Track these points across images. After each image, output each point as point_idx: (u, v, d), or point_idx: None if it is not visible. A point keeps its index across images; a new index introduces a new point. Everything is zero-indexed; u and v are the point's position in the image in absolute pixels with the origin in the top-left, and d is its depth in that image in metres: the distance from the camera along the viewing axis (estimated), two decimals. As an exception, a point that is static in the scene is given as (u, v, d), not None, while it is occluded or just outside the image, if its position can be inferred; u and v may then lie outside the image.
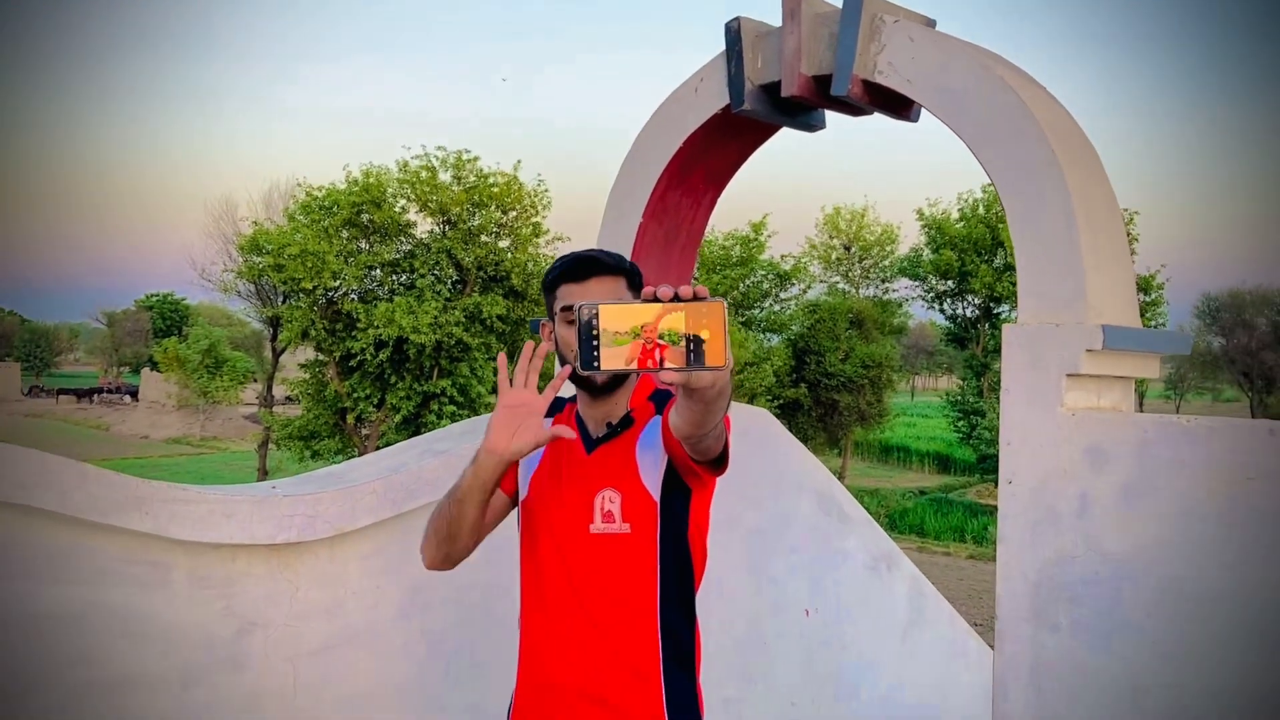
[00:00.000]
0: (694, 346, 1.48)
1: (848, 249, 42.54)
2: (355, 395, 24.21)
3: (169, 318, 64.08)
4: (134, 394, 57.67)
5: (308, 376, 25.98)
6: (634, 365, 1.49)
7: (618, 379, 2.12)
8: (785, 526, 4.36)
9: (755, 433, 4.28)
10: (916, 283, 36.97)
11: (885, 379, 35.17)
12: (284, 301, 26.43)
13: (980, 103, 2.75)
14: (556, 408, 2.31)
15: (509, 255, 24.80)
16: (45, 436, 43.33)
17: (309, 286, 23.36)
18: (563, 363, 2.12)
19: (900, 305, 40.08)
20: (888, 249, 42.20)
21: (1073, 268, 2.58)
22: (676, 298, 1.49)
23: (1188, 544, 2.39)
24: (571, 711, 2.09)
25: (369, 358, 23.52)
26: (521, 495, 2.23)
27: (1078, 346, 2.54)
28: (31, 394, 63.27)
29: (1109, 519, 2.50)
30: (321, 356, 25.29)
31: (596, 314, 1.50)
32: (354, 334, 23.56)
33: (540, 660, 2.14)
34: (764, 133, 3.48)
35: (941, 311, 36.10)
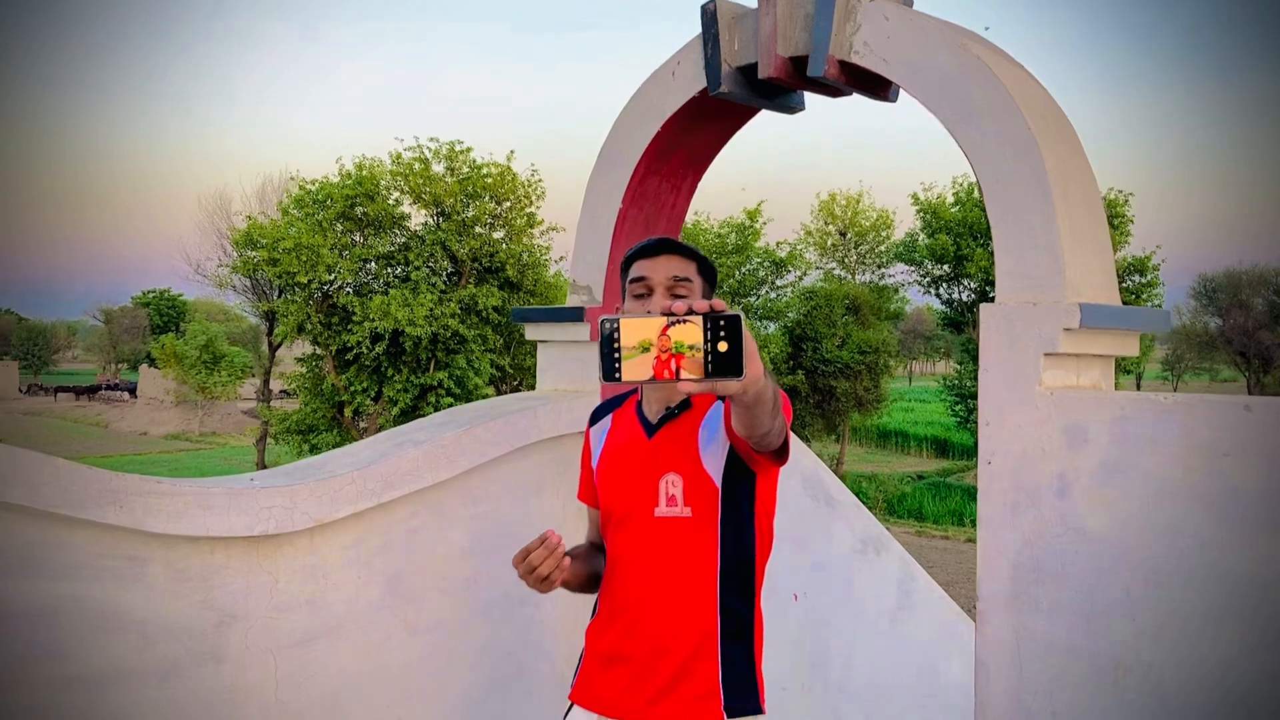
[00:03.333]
0: (713, 358, 1.52)
1: (843, 235, 42.48)
2: (352, 388, 24.19)
3: (166, 314, 64.00)
4: (132, 391, 57.62)
5: (305, 370, 25.96)
6: (653, 377, 1.53)
7: None
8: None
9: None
10: (912, 268, 36.93)
11: (882, 364, 35.17)
12: (279, 296, 26.37)
13: (956, 82, 2.72)
14: (614, 405, 2.45)
15: (504, 246, 24.76)
16: (44, 434, 43.32)
17: (304, 280, 23.34)
18: None
19: (896, 290, 40.05)
20: (883, 234, 42.14)
21: (1050, 247, 2.56)
22: (691, 311, 1.53)
23: (1165, 522, 2.37)
24: (632, 683, 2.22)
25: (365, 351, 23.51)
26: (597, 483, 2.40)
27: (1055, 325, 2.52)
28: (29, 392, 63.22)
29: (1088, 498, 2.48)
30: (318, 350, 25.26)
31: (618, 326, 1.55)
32: (350, 327, 23.53)
33: (608, 633, 2.29)
34: (743, 116, 3.46)
35: (938, 296, 36.07)
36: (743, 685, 2.25)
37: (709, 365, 1.52)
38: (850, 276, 41.64)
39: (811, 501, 4.52)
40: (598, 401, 2.92)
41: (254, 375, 42.73)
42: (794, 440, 4.55)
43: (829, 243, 42.63)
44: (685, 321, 1.52)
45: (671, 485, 2.21)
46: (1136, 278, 31.61)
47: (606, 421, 2.44)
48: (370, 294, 24.02)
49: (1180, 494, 2.35)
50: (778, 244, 35.66)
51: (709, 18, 3.18)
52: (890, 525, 28.11)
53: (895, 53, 2.84)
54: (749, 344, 1.53)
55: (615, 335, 1.55)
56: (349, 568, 3.12)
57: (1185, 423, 2.34)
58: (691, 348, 1.52)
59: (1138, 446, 2.42)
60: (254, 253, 24.74)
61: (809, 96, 3.41)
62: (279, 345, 29.38)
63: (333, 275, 23.90)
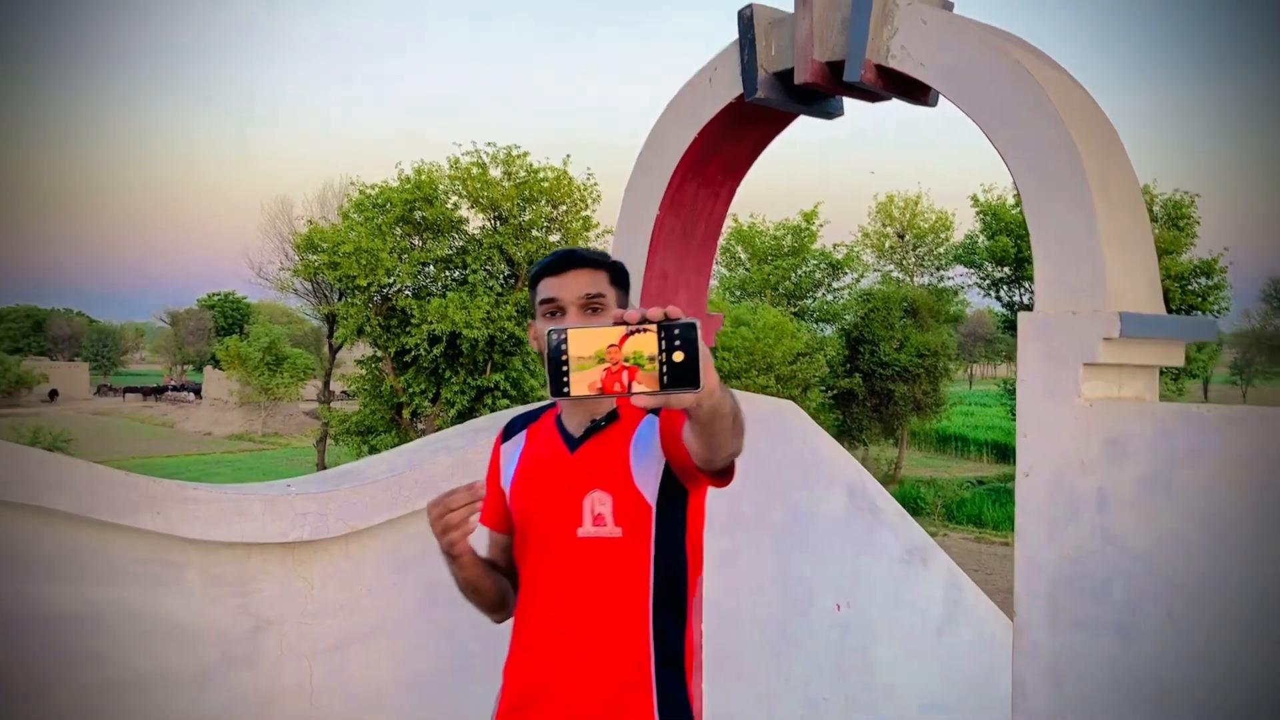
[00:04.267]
0: (667, 369, 1.43)
1: (901, 237, 42.05)
2: (410, 390, 24.41)
3: (231, 316, 65.16)
4: (197, 392, 58.72)
5: (364, 372, 26.25)
6: (601, 391, 1.45)
7: None
8: (814, 520, 4.30)
9: (782, 425, 4.23)
10: (972, 270, 36.45)
11: (941, 368, 34.73)
12: (340, 299, 26.68)
13: (994, 86, 2.67)
14: (535, 415, 2.29)
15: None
16: (112, 434, 44.28)
17: (364, 284, 23.59)
18: (541, 357, 2.09)
19: (956, 293, 39.55)
20: (942, 236, 41.63)
21: (1090, 254, 2.50)
22: (645, 320, 1.45)
23: (1208, 537, 2.30)
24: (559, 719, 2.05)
25: (423, 353, 23.71)
26: (507, 505, 2.21)
27: (1095, 335, 2.45)
28: (99, 392, 64.68)
29: (1128, 511, 2.42)
30: (377, 352, 25.53)
31: (565, 338, 1.47)
32: (408, 330, 23.75)
33: (528, 667, 2.10)
34: (780, 121, 3.42)
35: (998, 299, 35.56)
36: (679, 716, 2.07)
37: (664, 377, 1.43)
38: (908, 279, 41.21)
39: (856, 511, 4.47)
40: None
41: (315, 377, 43.31)
42: (837, 448, 4.50)
43: (887, 245, 42.23)
44: (639, 331, 1.44)
45: (598, 503, 2.05)
46: (1203, 280, 30.90)
47: (520, 438, 2.27)
48: (428, 297, 24.22)
49: (1224, 509, 2.28)
50: (834, 246, 35.43)
51: (745, 23, 3.15)
52: (949, 531, 27.78)
53: (932, 57, 2.80)
54: (705, 353, 1.44)
55: (563, 347, 1.47)
56: (385, 574, 3.13)
57: (1228, 435, 2.27)
58: (645, 359, 1.43)
59: (1180, 459, 2.35)
60: (315, 256, 25.07)
61: (847, 101, 3.37)
62: (339, 347, 29.75)
63: (392, 278, 24.13)
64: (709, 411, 1.60)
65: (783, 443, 4.17)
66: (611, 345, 1.44)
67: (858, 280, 36.20)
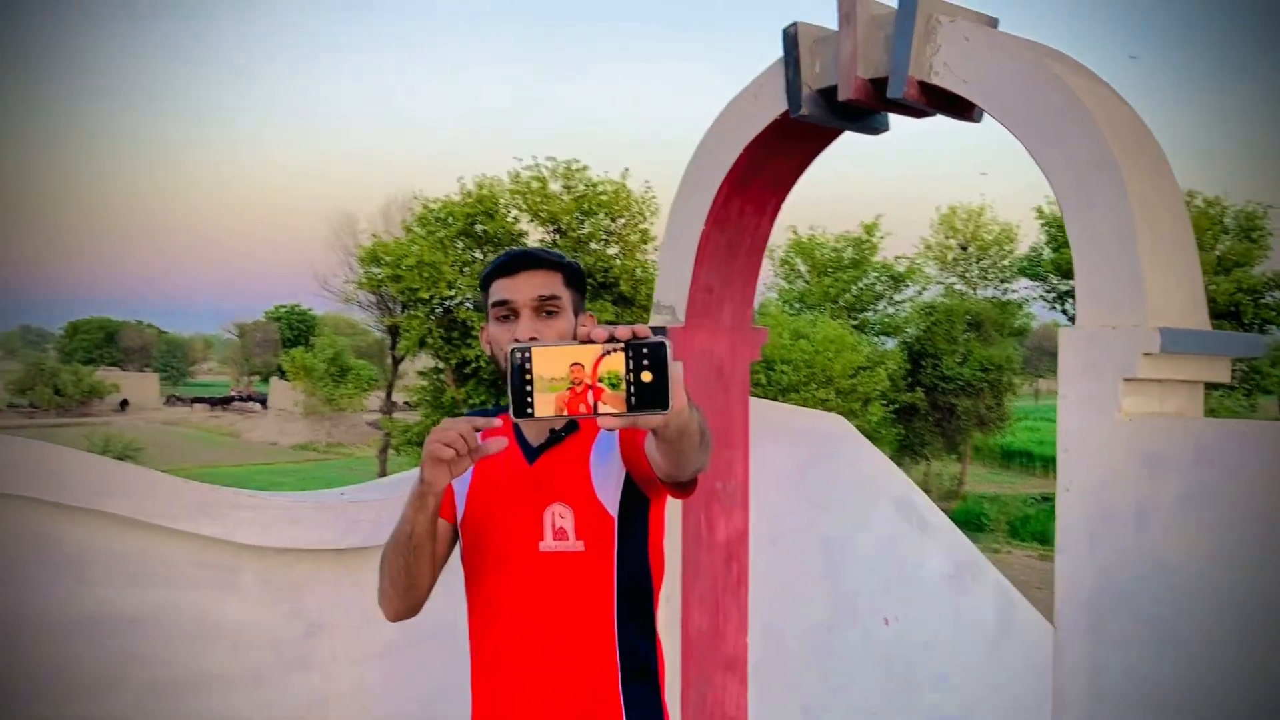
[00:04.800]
0: (635, 389, 1.38)
1: (964, 249, 41.61)
2: (471, 401, 24.66)
3: (296, 328, 66.25)
4: (264, 402, 59.78)
5: (425, 384, 26.58)
6: (564, 412, 1.40)
7: None
8: (861, 533, 4.30)
9: (829, 439, 4.24)
10: (1037, 283, 35.99)
11: (1005, 382, 34.29)
12: (403, 311, 27.05)
13: (1034, 101, 2.68)
14: (490, 418, 2.16)
15: (618, 262, 24.97)
16: (181, 444, 45.20)
17: (425, 296, 23.92)
18: (493, 363, 2.03)
19: (1021, 306, 39.01)
20: (1006, 248, 41.11)
21: (1131, 269, 2.50)
22: (612, 339, 1.40)
23: (1248, 552, 2.29)
24: None
25: (483, 365, 23.95)
26: (459, 514, 2.11)
27: (1135, 350, 2.46)
28: (169, 403, 66.09)
29: (1168, 527, 2.41)
30: (438, 364, 25.85)
31: (529, 356, 1.41)
32: (469, 342, 24.01)
33: (493, 688, 2.03)
34: (825, 138, 3.45)
35: (1064, 312, 35.04)
36: None
37: (631, 398, 1.38)
38: (972, 292, 40.76)
39: (904, 525, 4.46)
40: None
41: (379, 388, 43.88)
42: (885, 462, 4.50)
43: (950, 257, 41.81)
44: (609, 352, 1.39)
45: (559, 517, 1.98)
46: (1278, 294, 30.19)
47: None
48: (488, 310, 24.47)
49: (1264, 524, 2.27)
50: (896, 258, 35.17)
51: (790, 41, 3.19)
52: (1012, 548, 27.42)
53: (975, 73, 2.82)
54: (674, 373, 1.39)
55: (527, 366, 1.41)
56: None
57: (1269, 450, 2.26)
58: (611, 379, 1.38)
59: (1221, 475, 2.35)
60: (378, 269, 25.46)
61: (893, 116, 3.39)
62: (402, 359, 30.19)
63: (453, 291, 24.43)
64: (676, 431, 1.57)
65: (829, 456, 4.18)
66: (578, 364, 1.39)
67: (920, 293, 35.90)
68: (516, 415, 1.42)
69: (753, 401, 3.85)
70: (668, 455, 1.69)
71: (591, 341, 1.40)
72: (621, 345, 1.39)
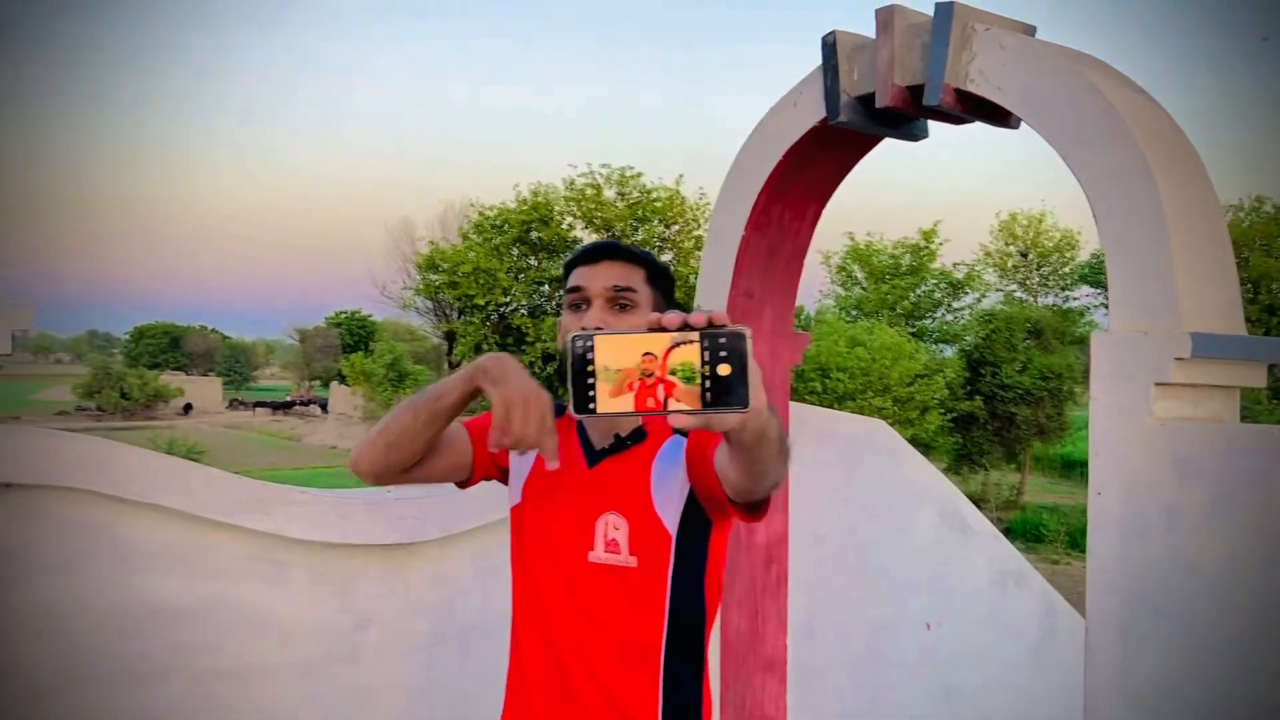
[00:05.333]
0: (710, 385, 1.21)
1: (1025, 256, 41.11)
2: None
3: (356, 334, 67.07)
4: (324, 406, 60.62)
5: (481, 389, 26.82)
6: (634, 409, 1.23)
7: None
8: (904, 538, 4.32)
9: (872, 444, 4.27)
10: (1099, 290, 35.42)
11: (1066, 391, 33.77)
12: (459, 317, 27.36)
13: (1069, 109, 2.70)
14: (557, 412, 1.97)
15: (672, 269, 25.05)
16: (243, 447, 46.00)
17: (482, 303, 24.19)
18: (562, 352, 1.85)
19: (1082, 314, 38.41)
20: (1068, 255, 40.55)
21: (1163, 274, 2.51)
22: (687, 326, 1.23)
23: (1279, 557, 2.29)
24: None
25: (538, 371, 24.14)
26: (513, 500, 2.01)
27: (1166, 355, 2.47)
28: (231, 406, 67.22)
29: (1199, 531, 2.42)
30: (494, 370, 26.07)
31: (592, 345, 1.25)
32: (523, 348, 24.23)
33: (525, 696, 1.92)
34: (864, 144, 3.49)
35: (1126, 320, 34.36)
36: None
37: (706, 394, 1.21)
38: (1032, 299, 40.26)
39: (948, 531, 4.48)
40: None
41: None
42: (928, 468, 4.52)
43: (1009, 264, 41.33)
44: (682, 342, 1.22)
45: (612, 528, 1.85)
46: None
47: None
48: (543, 316, 24.68)
49: (1294, 531, 2.27)
50: (954, 265, 34.83)
51: (828, 49, 3.24)
52: (1071, 559, 26.98)
53: (1009, 80, 2.84)
54: (754, 368, 1.22)
55: (589, 356, 1.25)
56: (476, 577, 3.29)
57: (1298, 457, 2.27)
58: (685, 372, 1.22)
59: (1252, 480, 2.35)
60: (435, 276, 25.79)
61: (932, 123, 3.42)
62: (458, 364, 30.47)
63: (508, 298, 24.68)
64: (753, 435, 1.38)
65: (871, 461, 4.21)
66: (648, 354, 1.22)
67: (979, 300, 35.49)
68: (577, 411, 1.25)
69: (794, 406, 3.89)
70: (742, 465, 1.51)
71: (663, 329, 1.23)
72: (696, 335, 1.22)
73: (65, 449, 2.69)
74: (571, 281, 1.93)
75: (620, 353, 1.24)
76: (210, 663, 2.88)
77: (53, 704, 2.69)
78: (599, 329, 1.58)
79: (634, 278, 1.92)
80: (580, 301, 1.91)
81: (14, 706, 2.64)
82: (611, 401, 1.24)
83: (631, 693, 1.84)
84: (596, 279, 1.90)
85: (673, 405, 1.22)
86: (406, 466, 1.88)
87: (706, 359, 1.21)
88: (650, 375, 1.22)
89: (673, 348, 1.22)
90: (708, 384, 1.21)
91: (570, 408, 1.26)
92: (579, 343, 1.25)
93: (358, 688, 3.11)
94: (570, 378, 1.26)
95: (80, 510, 2.72)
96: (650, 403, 1.22)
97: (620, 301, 1.90)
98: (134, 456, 2.76)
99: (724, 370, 1.21)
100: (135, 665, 2.78)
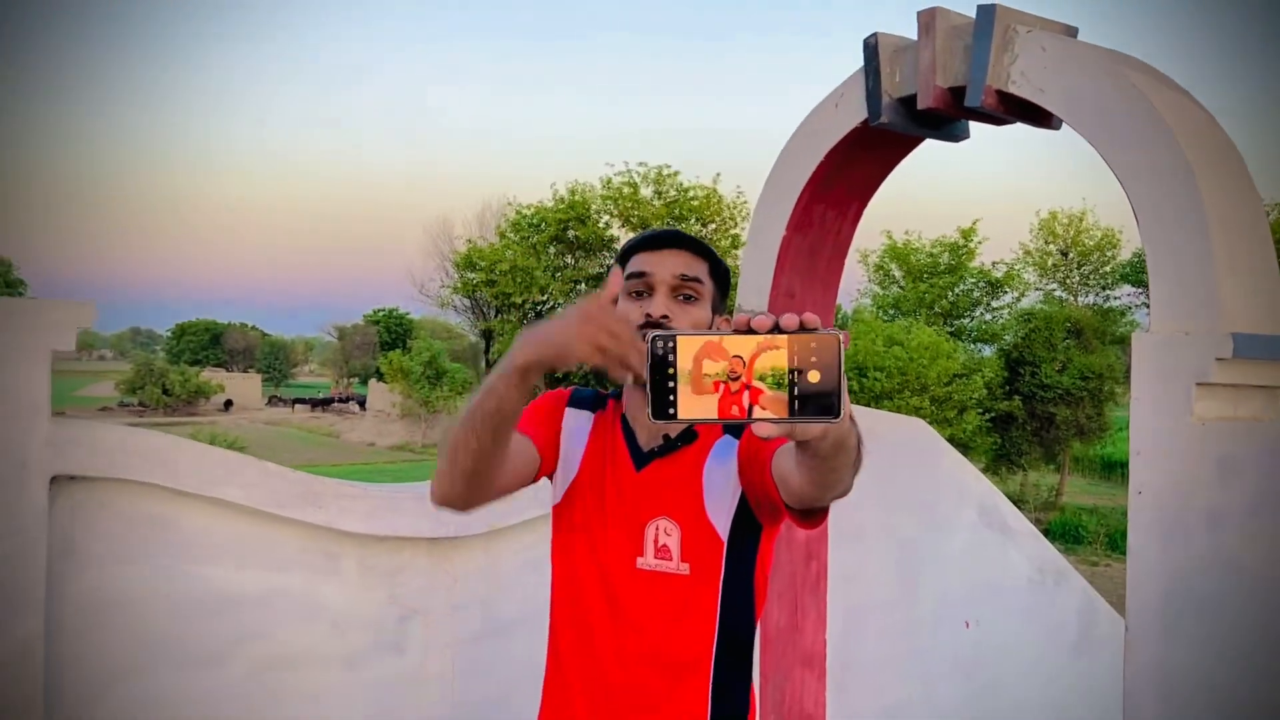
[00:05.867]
0: (799, 392, 1.14)
1: (1065, 255, 40.72)
2: (564, 405, 24.98)
3: (394, 331, 67.57)
4: (362, 403, 61.13)
5: (518, 387, 26.99)
6: (717, 415, 1.15)
7: None
8: (943, 537, 4.34)
9: (912, 443, 4.29)
10: (1140, 289, 35.05)
11: (1107, 391, 33.45)
12: (496, 315, 27.55)
13: (1110, 110, 2.72)
14: (597, 403, 1.98)
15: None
16: (282, 443, 46.45)
17: (519, 301, 24.38)
18: None
19: (1123, 313, 38.04)
20: (1109, 254, 40.11)
21: (1204, 275, 2.53)
22: (777, 328, 1.15)
23: (1320, 558, 2.31)
24: None
25: (574, 369, 24.23)
26: (555, 499, 1.93)
27: (1208, 355, 2.48)
28: (271, 403, 67.95)
29: (1240, 531, 2.44)
30: (530, 368, 26.22)
31: (674, 346, 1.16)
32: (560, 346, 24.34)
33: (568, 701, 1.85)
34: (906, 145, 3.52)
35: (1168, 320, 33.95)
36: None
37: (794, 401, 1.14)
38: (1072, 298, 39.89)
39: (987, 530, 4.49)
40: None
41: (473, 391, 44.51)
42: (968, 467, 4.54)
43: (1049, 263, 40.95)
44: (770, 348, 1.14)
45: (664, 534, 1.78)
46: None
47: (587, 421, 1.95)
48: (580, 314, 24.79)
49: (1335, 530, 2.29)
50: (994, 264, 34.60)
51: (870, 51, 3.27)
52: (1111, 561, 26.73)
53: (1051, 82, 2.86)
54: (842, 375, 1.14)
55: (670, 358, 1.16)
56: (521, 571, 3.35)
57: (1340, 456, 2.28)
58: (775, 377, 1.14)
59: (1293, 479, 2.37)
60: (473, 274, 26.00)
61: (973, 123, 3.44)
62: (496, 363, 30.68)
63: (545, 296, 24.82)
64: (833, 445, 1.30)
65: (912, 460, 4.23)
66: (737, 357, 1.15)
67: (1018, 299, 35.24)
68: (656, 416, 1.17)
69: (833, 404, 3.92)
70: (815, 474, 1.41)
71: (751, 331, 1.15)
72: (785, 338, 1.14)
73: (127, 443, 2.77)
74: (633, 267, 1.83)
75: (704, 354, 1.16)
76: (264, 650, 2.97)
77: (117, 690, 2.78)
78: (681, 330, 1.48)
79: (699, 269, 1.84)
80: (643, 289, 1.81)
81: (80, 692, 2.73)
82: (693, 407, 1.16)
83: (678, 705, 1.77)
84: (663, 266, 1.81)
85: (758, 413, 1.14)
86: (492, 487, 1.74)
87: (796, 364, 1.14)
88: (736, 378, 1.15)
89: (761, 351, 1.14)
90: (796, 391, 1.14)
91: (649, 413, 1.17)
92: (660, 343, 1.17)
93: (404, 677, 3.18)
94: (649, 380, 1.17)
95: (141, 502, 2.81)
96: (734, 410, 1.15)
97: (685, 292, 1.81)
98: (192, 451, 2.84)
99: (814, 377, 1.14)
100: (194, 652, 2.86)
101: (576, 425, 1.94)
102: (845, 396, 1.16)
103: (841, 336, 1.14)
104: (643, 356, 1.41)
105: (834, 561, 3.82)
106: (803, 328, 1.14)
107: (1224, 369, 2.49)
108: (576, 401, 1.97)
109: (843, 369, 1.14)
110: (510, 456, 1.74)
